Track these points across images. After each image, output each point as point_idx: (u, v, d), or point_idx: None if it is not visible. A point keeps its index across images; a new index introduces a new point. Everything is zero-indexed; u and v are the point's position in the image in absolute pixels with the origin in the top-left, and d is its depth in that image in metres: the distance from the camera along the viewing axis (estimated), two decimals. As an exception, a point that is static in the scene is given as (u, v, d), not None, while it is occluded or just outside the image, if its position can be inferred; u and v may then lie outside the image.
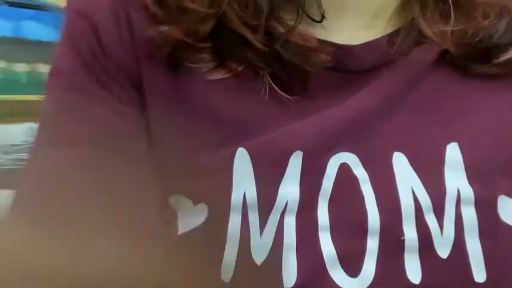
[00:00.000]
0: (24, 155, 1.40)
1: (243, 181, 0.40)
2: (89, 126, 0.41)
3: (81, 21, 0.43)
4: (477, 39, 0.42)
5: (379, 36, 0.43)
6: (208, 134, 0.42)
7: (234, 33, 0.41)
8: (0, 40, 1.59)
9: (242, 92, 0.42)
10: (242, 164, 0.40)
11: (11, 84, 1.63)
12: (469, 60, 0.43)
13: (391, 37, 0.43)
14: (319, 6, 0.42)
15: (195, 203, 0.41)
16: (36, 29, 1.64)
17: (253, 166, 0.40)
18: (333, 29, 0.43)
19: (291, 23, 0.41)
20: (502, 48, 0.43)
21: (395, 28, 0.44)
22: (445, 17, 0.43)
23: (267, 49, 0.41)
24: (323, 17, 0.42)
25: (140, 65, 0.42)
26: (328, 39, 0.42)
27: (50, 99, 0.43)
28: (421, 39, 0.43)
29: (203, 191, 0.41)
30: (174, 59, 0.42)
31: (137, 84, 0.42)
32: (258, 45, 0.40)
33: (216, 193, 0.40)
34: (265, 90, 0.42)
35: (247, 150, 0.40)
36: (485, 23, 0.42)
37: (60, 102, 0.42)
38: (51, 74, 0.44)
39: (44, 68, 1.66)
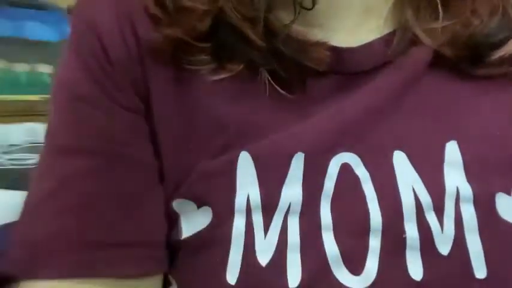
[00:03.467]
0: (23, 155, 1.40)
1: (247, 184, 0.40)
2: (94, 136, 0.42)
3: (86, 31, 0.43)
4: (468, 37, 0.42)
5: (376, 37, 0.44)
6: (211, 138, 0.42)
7: (233, 30, 0.41)
8: (0, 40, 1.59)
9: (243, 96, 0.42)
10: (245, 167, 0.41)
11: (11, 84, 1.63)
12: (462, 61, 0.43)
13: (387, 38, 0.44)
14: None
15: (199, 206, 0.41)
16: (36, 29, 1.64)
17: (256, 169, 0.41)
18: (329, 28, 0.43)
19: (287, 19, 0.41)
20: (494, 46, 0.43)
21: (391, 29, 0.44)
22: (435, 17, 0.43)
23: (266, 45, 0.41)
24: (314, 3, 0.42)
25: (145, 70, 0.43)
26: (326, 41, 0.43)
27: (56, 108, 0.43)
28: (417, 38, 0.44)
29: (207, 195, 0.41)
30: (177, 64, 0.43)
31: (142, 91, 0.43)
32: (257, 40, 0.41)
33: (220, 196, 0.41)
34: (265, 90, 0.42)
35: (249, 153, 0.41)
36: (475, 21, 0.42)
37: (65, 112, 0.43)
38: (57, 83, 0.44)
39: (44, 68, 1.66)
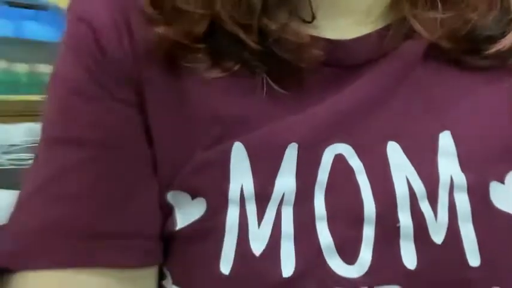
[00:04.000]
0: (23, 155, 1.40)
1: (240, 174, 0.41)
2: (89, 128, 0.42)
3: (81, 26, 0.43)
4: (465, 32, 0.43)
5: (370, 31, 0.44)
6: (206, 130, 0.42)
7: (228, 33, 0.42)
8: (0, 40, 1.59)
9: (239, 89, 0.43)
10: (239, 158, 0.41)
11: (11, 84, 1.64)
12: (459, 52, 0.43)
13: (382, 31, 0.44)
14: (310, 6, 0.42)
15: (193, 197, 0.42)
16: (36, 29, 1.64)
17: (249, 159, 0.41)
18: (325, 27, 0.43)
19: (283, 21, 0.42)
20: (490, 40, 0.43)
21: (385, 24, 0.44)
22: (433, 11, 0.43)
23: (260, 47, 0.41)
24: (314, 18, 0.42)
25: (139, 65, 0.43)
26: (321, 35, 0.43)
27: (52, 102, 0.44)
28: (411, 32, 0.44)
29: (201, 185, 0.41)
30: (172, 59, 0.43)
31: (137, 85, 0.43)
32: (252, 44, 0.41)
33: (214, 187, 0.41)
34: (262, 88, 0.42)
35: (243, 144, 0.41)
36: (474, 15, 0.43)
37: (62, 105, 0.43)
38: (53, 76, 0.44)
39: (44, 68, 1.67)
